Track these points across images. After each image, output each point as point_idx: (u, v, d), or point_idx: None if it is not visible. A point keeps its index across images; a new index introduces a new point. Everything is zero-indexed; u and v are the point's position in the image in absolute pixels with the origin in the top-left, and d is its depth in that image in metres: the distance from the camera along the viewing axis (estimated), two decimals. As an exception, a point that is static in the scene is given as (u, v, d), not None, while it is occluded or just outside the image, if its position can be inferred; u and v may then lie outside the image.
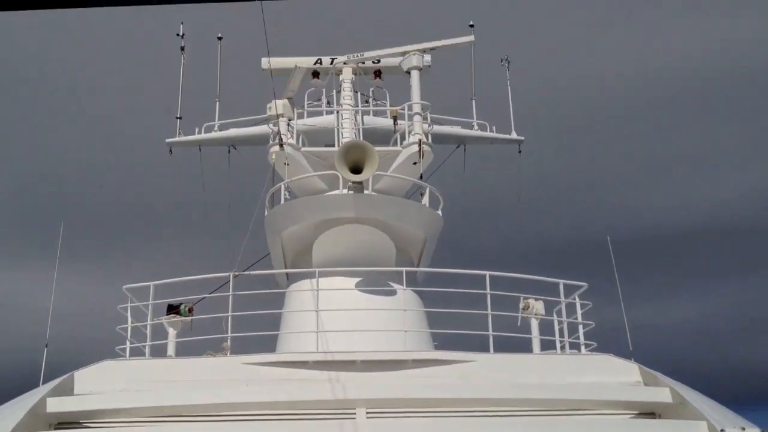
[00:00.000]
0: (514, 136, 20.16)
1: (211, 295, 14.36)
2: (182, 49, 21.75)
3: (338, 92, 18.63)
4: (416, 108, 17.23)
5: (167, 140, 19.41)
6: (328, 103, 18.78)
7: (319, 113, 18.86)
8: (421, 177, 17.01)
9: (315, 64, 19.08)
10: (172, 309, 14.68)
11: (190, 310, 14.75)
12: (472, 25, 21.16)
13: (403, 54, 17.76)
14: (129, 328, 14.02)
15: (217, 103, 20.29)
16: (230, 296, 13.47)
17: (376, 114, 18.80)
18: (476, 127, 19.47)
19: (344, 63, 18.74)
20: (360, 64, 18.85)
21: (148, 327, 14.02)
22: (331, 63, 18.81)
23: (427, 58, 17.96)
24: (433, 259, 17.29)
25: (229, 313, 13.32)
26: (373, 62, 19.19)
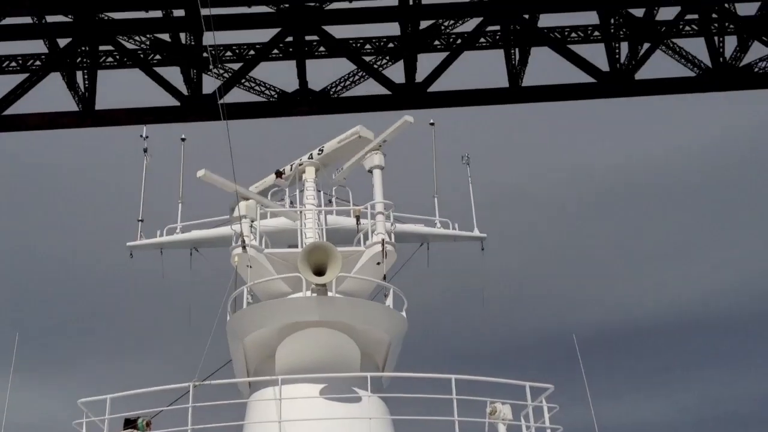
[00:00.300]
0: (476, 233, 21.20)
1: (170, 407, 14.22)
2: (145, 150, 22.87)
3: (301, 191, 18.86)
4: (379, 207, 18.24)
5: (128, 243, 20.27)
6: (292, 203, 19.22)
7: (282, 214, 19.07)
8: (384, 277, 17.44)
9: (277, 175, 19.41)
10: (129, 423, 14.62)
11: (148, 424, 14.67)
12: (432, 123, 23.08)
13: (354, 148, 18.48)
14: None
15: (180, 204, 20.86)
16: (190, 408, 13.37)
17: (339, 213, 19.26)
18: (439, 225, 20.21)
19: (308, 159, 18.94)
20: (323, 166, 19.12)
21: None
22: (300, 164, 19.03)
23: (378, 157, 18.56)
24: (398, 360, 17.42)
25: (189, 426, 13.28)
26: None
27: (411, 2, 35.95)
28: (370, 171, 19.41)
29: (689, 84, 40.95)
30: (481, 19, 36.09)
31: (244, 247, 17.17)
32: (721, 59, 39.97)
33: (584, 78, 40.62)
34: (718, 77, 40.12)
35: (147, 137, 22.31)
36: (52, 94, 38.70)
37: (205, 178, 19.81)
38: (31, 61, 35.37)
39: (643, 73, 40.71)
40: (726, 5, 39.92)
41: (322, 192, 19.54)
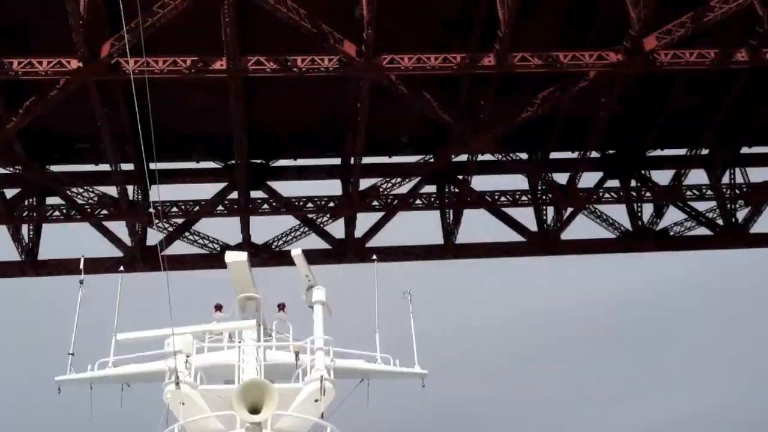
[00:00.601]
0: (417, 369, 19.98)
1: None
2: (81, 282, 21.67)
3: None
4: (319, 343, 17.37)
5: (56, 378, 18.73)
6: (230, 337, 18.41)
7: (219, 348, 18.34)
8: (322, 415, 16.81)
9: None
10: None
11: None
12: (374, 259, 22.70)
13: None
14: None
15: (114, 337, 19.57)
16: None
17: (278, 349, 18.43)
18: (380, 361, 19.36)
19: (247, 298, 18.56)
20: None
21: None
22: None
23: (320, 293, 18.38)
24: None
25: None
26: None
27: (352, 161, 38.46)
28: (311, 306, 18.62)
29: (610, 245, 43.73)
30: (418, 179, 38.70)
31: (177, 384, 16.04)
32: (639, 222, 43.11)
33: (514, 237, 43.11)
34: (637, 239, 43.04)
35: (82, 268, 21.97)
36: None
37: (122, 339, 19.14)
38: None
39: (568, 233, 43.37)
40: (643, 172, 43.52)
41: (261, 326, 18.67)
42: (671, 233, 43.14)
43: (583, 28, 33.22)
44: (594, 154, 41.96)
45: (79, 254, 34.51)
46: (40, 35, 31.04)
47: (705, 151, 43.06)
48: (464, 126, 34.19)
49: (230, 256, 18.86)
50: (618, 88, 33.49)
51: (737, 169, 42.89)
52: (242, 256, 18.76)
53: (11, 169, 34.63)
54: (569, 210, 40.70)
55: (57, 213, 36.76)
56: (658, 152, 43.65)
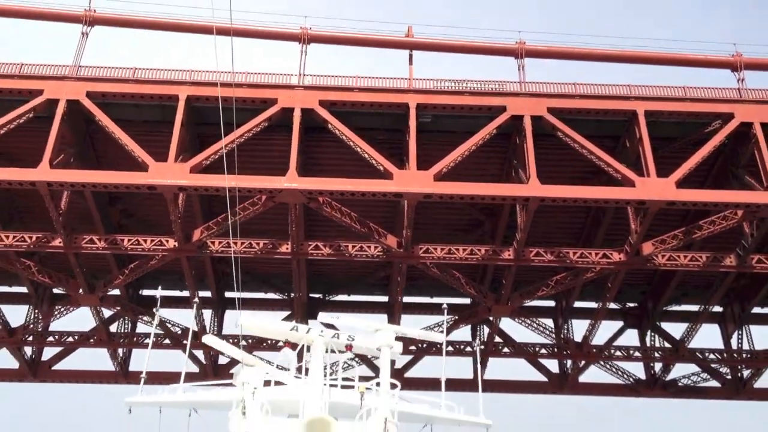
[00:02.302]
0: (482, 419, 20.01)
1: None
2: (156, 309, 23.39)
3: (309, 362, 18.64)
4: (384, 386, 17.38)
5: (126, 399, 19.33)
6: (298, 370, 18.77)
7: (286, 383, 18.77)
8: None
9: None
10: None
11: None
12: (445, 307, 23.57)
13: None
14: None
15: (185, 362, 21.47)
16: None
17: (343, 388, 18.50)
18: (444, 407, 19.27)
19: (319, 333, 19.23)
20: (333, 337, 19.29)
21: None
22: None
23: (399, 346, 18.75)
24: None
25: None
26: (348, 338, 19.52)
27: (398, 300, 44.62)
28: (379, 348, 18.47)
29: (624, 390, 48.59)
30: (455, 318, 44.52)
31: (243, 413, 16.45)
32: (651, 372, 47.88)
33: (538, 376, 48.47)
34: (648, 387, 47.80)
35: (159, 298, 23.19)
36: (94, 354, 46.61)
37: (209, 341, 20.49)
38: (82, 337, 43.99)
39: (587, 376, 48.45)
40: (657, 323, 48.30)
41: (328, 365, 18.72)
42: (680, 384, 47.94)
43: (592, 229, 39.06)
44: (614, 305, 47.63)
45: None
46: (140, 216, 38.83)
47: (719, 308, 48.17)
48: (487, 297, 40.23)
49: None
50: (622, 276, 39.17)
51: (745, 327, 47.65)
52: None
53: (114, 309, 42.37)
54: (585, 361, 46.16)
55: (147, 340, 44.34)
56: (674, 307, 48.81)
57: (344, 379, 18.94)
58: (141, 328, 45.51)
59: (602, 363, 45.91)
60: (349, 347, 19.36)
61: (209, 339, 20.63)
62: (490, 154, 38.10)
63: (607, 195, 34.46)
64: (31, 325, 43.80)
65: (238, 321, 19.94)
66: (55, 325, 46.26)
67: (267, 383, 18.11)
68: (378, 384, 17.71)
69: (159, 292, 23.66)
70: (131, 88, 36.25)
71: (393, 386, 17.78)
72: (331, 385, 18.47)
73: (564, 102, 36.67)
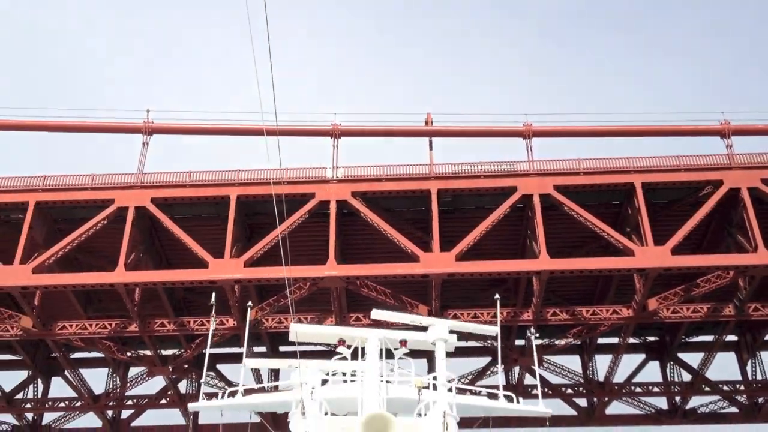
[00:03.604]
0: (541, 408, 19.59)
1: None
2: (212, 315, 25.69)
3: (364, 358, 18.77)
4: (441, 379, 17.33)
5: (189, 405, 19.93)
6: (353, 372, 18.74)
7: (343, 382, 18.84)
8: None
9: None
10: None
11: None
12: (497, 299, 24.23)
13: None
14: None
15: (243, 368, 20.96)
16: None
17: (400, 384, 18.44)
18: (502, 398, 18.98)
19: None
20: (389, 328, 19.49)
21: None
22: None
23: (453, 338, 18.63)
24: None
25: None
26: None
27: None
28: (434, 343, 18.38)
29: (647, 419, 52.65)
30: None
31: (303, 413, 16.66)
32: (673, 402, 51.91)
33: (568, 410, 52.81)
34: (669, 415, 51.76)
35: (214, 304, 23.90)
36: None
37: (250, 364, 21.11)
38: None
39: (612, 410, 52.56)
40: (676, 355, 52.22)
41: (384, 361, 18.64)
42: (699, 411, 51.93)
43: (604, 287, 43.48)
44: (635, 339, 51.86)
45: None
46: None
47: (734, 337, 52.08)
48: (512, 350, 44.92)
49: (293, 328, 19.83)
50: (632, 328, 43.57)
51: (758, 354, 51.45)
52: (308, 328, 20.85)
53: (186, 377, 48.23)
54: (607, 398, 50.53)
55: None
56: (692, 338, 52.83)
57: (400, 375, 18.91)
58: (205, 389, 51.18)
59: (624, 399, 50.22)
60: (403, 342, 19.26)
61: (250, 362, 20.48)
62: (507, 227, 42.75)
63: (610, 265, 39.01)
64: (111, 393, 49.75)
65: (291, 328, 19.76)
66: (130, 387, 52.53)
67: (324, 383, 18.24)
68: (435, 378, 17.67)
69: (212, 300, 23.95)
70: (188, 192, 41.85)
71: (450, 380, 17.66)
72: (388, 382, 18.41)
73: (569, 179, 41.24)
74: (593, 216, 40.52)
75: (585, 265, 39.09)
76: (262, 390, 20.04)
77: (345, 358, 18.90)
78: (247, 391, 19.36)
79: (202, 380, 22.68)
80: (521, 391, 51.15)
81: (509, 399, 19.15)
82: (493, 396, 19.19)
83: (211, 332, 25.53)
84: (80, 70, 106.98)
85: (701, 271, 39.67)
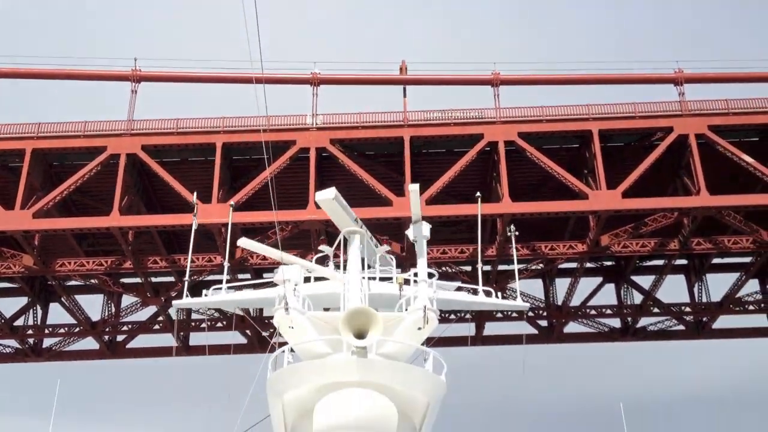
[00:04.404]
0: (519, 303, 20.24)
1: None
2: (194, 211, 24.84)
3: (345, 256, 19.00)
4: (422, 275, 17.56)
5: (174, 302, 21.24)
6: (336, 266, 18.96)
7: (326, 279, 19.09)
8: (425, 343, 17.39)
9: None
10: None
11: None
12: (478, 196, 26.15)
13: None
14: None
15: (226, 266, 21.26)
16: None
17: (381, 280, 18.74)
18: (481, 294, 19.34)
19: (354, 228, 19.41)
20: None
21: None
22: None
23: (423, 228, 18.89)
24: (436, 422, 17.05)
25: None
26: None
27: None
28: (415, 241, 18.67)
29: (601, 337, 57.44)
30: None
31: (287, 309, 16.90)
32: (627, 321, 56.58)
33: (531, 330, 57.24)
34: (622, 333, 56.53)
35: (197, 203, 23.70)
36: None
37: (244, 244, 20.69)
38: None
39: (568, 329, 57.20)
40: (632, 278, 56.61)
41: (365, 258, 18.82)
42: (649, 330, 56.91)
43: (562, 225, 47.34)
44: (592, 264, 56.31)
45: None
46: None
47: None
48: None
49: (319, 195, 19.25)
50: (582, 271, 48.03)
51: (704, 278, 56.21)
52: (330, 193, 19.02)
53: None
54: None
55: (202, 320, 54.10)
56: (646, 262, 57.33)
57: (382, 271, 19.10)
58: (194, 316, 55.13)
59: (580, 320, 55.00)
60: (385, 240, 19.66)
61: (244, 242, 20.68)
62: (475, 170, 46.10)
63: (566, 208, 42.82)
64: (108, 320, 53.54)
65: (239, 242, 20.33)
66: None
67: (307, 280, 18.30)
68: (416, 275, 17.78)
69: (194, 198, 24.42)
70: (177, 140, 44.57)
71: (430, 276, 17.77)
72: (370, 278, 18.69)
73: (532, 127, 44.43)
74: (553, 161, 43.96)
75: (543, 208, 42.81)
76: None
77: (327, 257, 19.22)
78: (231, 289, 19.36)
79: (186, 278, 20.29)
80: (488, 315, 55.70)
81: (488, 294, 19.52)
82: (472, 291, 19.66)
83: (194, 226, 23.52)
84: (69, 19, 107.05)
85: (649, 212, 43.54)
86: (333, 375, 15.45)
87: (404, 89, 46.76)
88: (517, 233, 23.41)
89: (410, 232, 18.89)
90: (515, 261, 24.58)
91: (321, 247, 19.50)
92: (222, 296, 19.31)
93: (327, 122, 45.12)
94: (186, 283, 19.91)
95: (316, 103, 45.86)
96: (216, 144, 44.27)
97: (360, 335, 15.23)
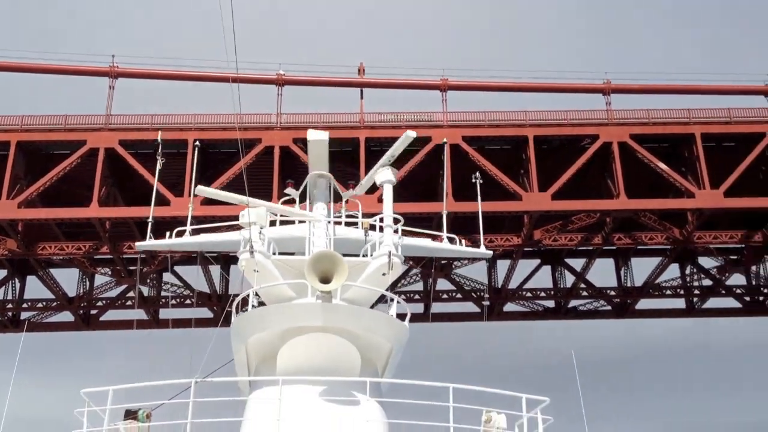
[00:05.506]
0: (482, 251, 20.41)
1: (171, 401, 14.18)
2: (158, 153, 22.84)
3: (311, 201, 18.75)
4: (387, 221, 17.40)
5: (137, 244, 19.59)
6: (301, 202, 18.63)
7: (292, 222, 18.78)
8: (390, 288, 17.26)
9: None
10: (130, 414, 14.20)
11: (148, 416, 14.26)
12: (445, 142, 33.07)
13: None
14: None
15: (190, 207, 21.50)
16: (191, 402, 13.38)
17: (347, 225, 18.61)
18: (446, 241, 19.46)
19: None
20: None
21: None
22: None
23: (389, 172, 18.27)
24: (399, 367, 17.11)
25: (189, 420, 13.32)
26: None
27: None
28: (381, 185, 18.31)
29: (537, 315, 63.10)
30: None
31: (251, 253, 16.55)
32: (561, 302, 62.44)
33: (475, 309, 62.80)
34: (555, 313, 62.37)
35: (161, 142, 23.91)
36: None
37: (202, 192, 20.32)
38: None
39: (507, 308, 62.88)
40: (566, 260, 62.36)
41: (331, 203, 18.78)
42: (578, 309, 63.05)
43: (500, 218, 52.75)
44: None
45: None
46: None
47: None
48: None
49: (312, 134, 19.13)
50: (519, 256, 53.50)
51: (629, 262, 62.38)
52: (324, 135, 19.02)
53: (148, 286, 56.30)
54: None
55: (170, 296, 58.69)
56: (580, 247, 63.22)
57: (348, 216, 19.10)
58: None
59: (516, 301, 60.83)
60: (351, 185, 19.60)
61: (202, 189, 20.33)
62: (423, 169, 50.95)
63: (501, 208, 48.13)
64: (84, 296, 57.79)
65: (196, 190, 19.85)
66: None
67: (273, 223, 18.02)
68: (381, 220, 17.73)
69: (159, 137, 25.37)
70: (152, 135, 48.48)
71: (396, 221, 17.74)
72: (336, 223, 18.63)
73: (475, 131, 49.41)
74: (493, 163, 49.06)
75: (482, 207, 47.79)
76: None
77: (293, 200, 19.06)
78: (195, 232, 19.07)
79: (150, 219, 19.49)
80: (437, 297, 61.15)
81: (452, 240, 19.69)
82: (437, 238, 19.77)
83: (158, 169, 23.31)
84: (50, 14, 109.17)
85: (575, 212, 49.09)
86: (297, 319, 15.46)
87: (361, 91, 51.33)
88: (481, 181, 23.78)
89: (377, 177, 18.56)
90: (479, 210, 23.50)
91: (287, 191, 19.44)
92: (186, 239, 19.06)
93: (290, 122, 49.56)
94: (150, 224, 19.18)
95: (280, 102, 50.27)
96: (188, 140, 48.41)
97: (325, 280, 15.26)
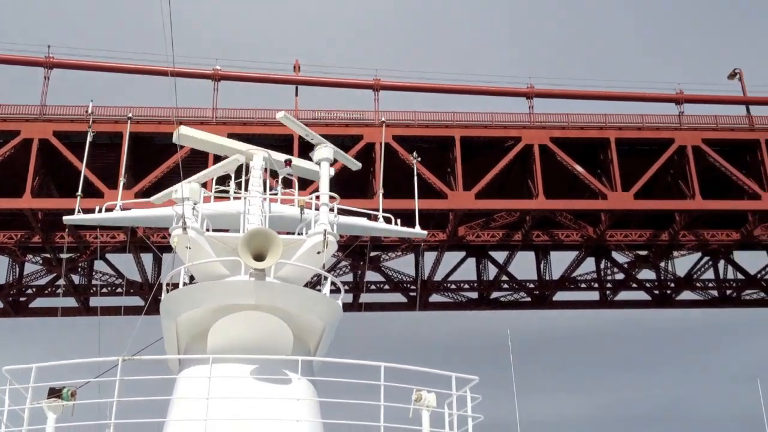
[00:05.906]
0: (417, 230, 20.63)
1: (98, 379, 14.02)
2: (89, 126, 22.81)
3: (247, 178, 18.63)
4: (323, 199, 17.50)
5: (65, 218, 19.04)
6: (237, 186, 18.55)
7: (226, 198, 18.63)
8: (324, 267, 17.23)
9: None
10: (54, 392, 14.02)
11: (73, 395, 14.11)
12: (383, 121, 34.41)
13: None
14: (5, 412, 13.65)
15: (122, 181, 21.10)
16: (117, 381, 13.22)
17: (283, 202, 18.58)
18: (381, 220, 19.72)
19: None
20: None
21: (26, 411, 13.65)
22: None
23: (326, 151, 18.29)
24: (330, 348, 17.21)
25: (115, 399, 13.15)
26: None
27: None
28: (318, 163, 18.26)
29: (463, 305, 65.87)
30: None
31: (184, 229, 16.27)
32: (484, 294, 65.31)
33: (403, 299, 65.24)
34: (478, 304, 65.20)
35: (92, 112, 24.09)
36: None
37: (185, 131, 20.29)
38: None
39: (433, 299, 65.48)
40: (490, 253, 65.29)
41: (267, 180, 18.66)
42: (500, 300, 66.17)
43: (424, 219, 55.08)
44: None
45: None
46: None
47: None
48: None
49: (281, 114, 19.47)
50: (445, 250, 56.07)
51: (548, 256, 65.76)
52: (287, 115, 19.35)
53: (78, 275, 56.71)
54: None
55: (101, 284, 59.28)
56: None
57: (284, 194, 18.94)
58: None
59: (442, 293, 63.51)
60: (288, 162, 19.47)
61: (186, 129, 20.22)
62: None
63: (429, 206, 50.41)
64: (13, 283, 57.91)
65: (177, 131, 19.59)
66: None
67: (207, 199, 17.96)
68: (317, 198, 17.83)
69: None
70: (86, 127, 48.74)
71: (332, 199, 17.87)
72: (271, 200, 18.47)
73: (405, 131, 51.56)
74: (420, 163, 51.06)
75: (409, 205, 50.01)
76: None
77: (229, 176, 18.91)
78: (126, 207, 18.89)
79: (79, 192, 18.78)
80: (369, 288, 63.25)
81: (387, 220, 19.82)
82: (373, 218, 19.84)
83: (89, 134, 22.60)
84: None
85: (497, 211, 51.82)
86: (229, 297, 15.36)
87: (296, 89, 52.78)
88: (419, 159, 23.86)
89: (315, 155, 18.52)
90: (416, 188, 23.44)
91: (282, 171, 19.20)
92: (116, 213, 18.75)
93: (227, 116, 50.72)
94: (78, 198, 18.71)
95: (216, 97, 51.33)
96: (123, 133, 49.06)
97: (259, 257, 15.03)
